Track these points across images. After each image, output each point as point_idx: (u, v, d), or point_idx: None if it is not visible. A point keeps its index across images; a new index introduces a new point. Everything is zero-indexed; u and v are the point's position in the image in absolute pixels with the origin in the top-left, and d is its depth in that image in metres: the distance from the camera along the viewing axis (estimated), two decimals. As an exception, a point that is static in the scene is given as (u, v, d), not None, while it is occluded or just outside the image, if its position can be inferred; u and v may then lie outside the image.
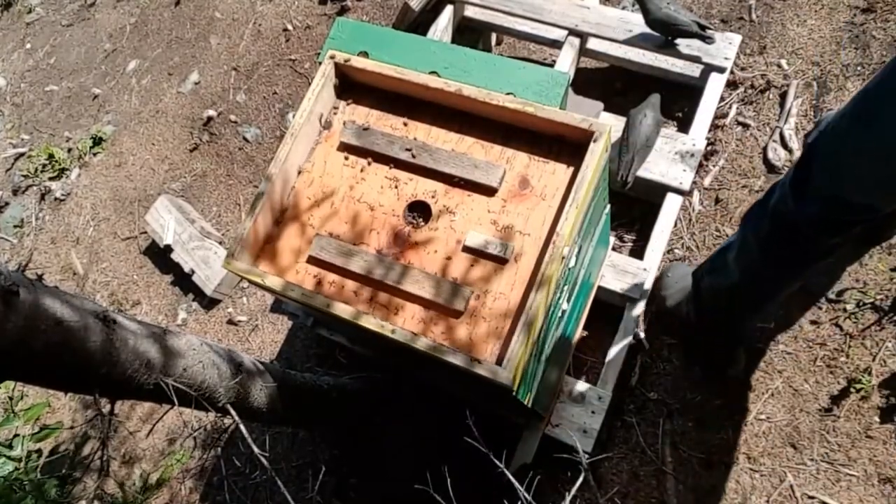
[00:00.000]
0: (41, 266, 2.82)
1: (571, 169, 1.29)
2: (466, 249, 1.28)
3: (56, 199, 2.93)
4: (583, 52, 2.13)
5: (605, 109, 2.03)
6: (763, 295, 1.55)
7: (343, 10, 2.71)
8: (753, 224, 1.45)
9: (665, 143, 1.90)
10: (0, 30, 3.66)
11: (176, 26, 3.10)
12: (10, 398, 2.19)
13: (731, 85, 2.09)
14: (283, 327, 2.32)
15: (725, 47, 1.94)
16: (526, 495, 1.79)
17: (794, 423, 1.67)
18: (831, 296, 1.75)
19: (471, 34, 2.31)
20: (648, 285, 1.81)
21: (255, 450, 1.23)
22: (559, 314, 1.45)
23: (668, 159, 1.88)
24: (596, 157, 1.23)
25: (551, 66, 2.17)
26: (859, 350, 1.68)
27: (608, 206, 1.59)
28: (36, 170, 3.00)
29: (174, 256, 2.48)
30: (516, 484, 1.80)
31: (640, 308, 1.81)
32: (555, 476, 1.81)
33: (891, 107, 1.06)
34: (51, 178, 2.99)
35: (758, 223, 1.43)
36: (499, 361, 1.18)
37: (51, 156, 2.97)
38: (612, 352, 1.78)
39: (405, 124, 1.41)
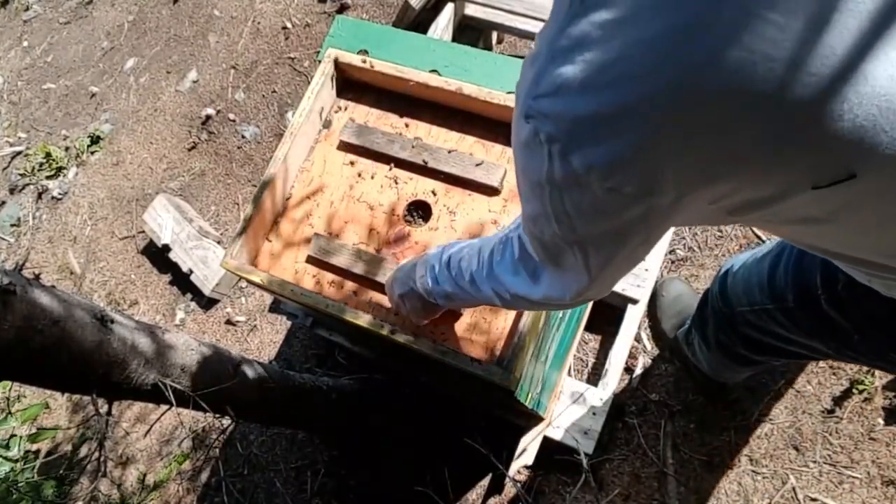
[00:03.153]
0: (38, 265, 2.80)
1: (573, 168, 1.28)
2: (467, 249, 1.27)
3: (53, 198, 2.91)
4: (584, 51, 2.12)
5: (606, 109, 2.02)
6: (741, 375, 1.55)
7: (343, 8, 2.70)
8: (702, 331, 1.43)
9: (666, 142, 1.89)
10: (-3, 28, 3.64)
11: (174, 24, 3.08)
12: (7, 398, 2.18)
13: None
14: (282, 328, 2.30)
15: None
16: (526, 496, 1.78)
17: (796, 425, 1.66)
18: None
19: (471, 33, 2.30)
20: (650, 285, 1.80)
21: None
22: (560, 314, 1.44)
23: (669, 159, 1.87)
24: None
25: (552, 65, 2.16)
26: (861, 351, 1.67)
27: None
28: (33, 168, 2.99)
29: (172, 256, 2.46)
30: (517, 485, 1.79)
31: (641, 309, 1.80)
32: (556, 478, 1.80)
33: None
34: (48, 177, 2.97)
35: (705, 330, 1.41)
36: (499, 362, 1.18)
37: (48, 154, 2.96)
38: (614, 353, 1.77)
39: (406, 124, 1.39)
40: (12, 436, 1.96)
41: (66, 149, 3.01)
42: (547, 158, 0.54)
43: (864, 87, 0.43)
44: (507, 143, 1.33)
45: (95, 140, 2.96)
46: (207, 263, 2.39)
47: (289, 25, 2.77)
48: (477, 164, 1.30)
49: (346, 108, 1.44)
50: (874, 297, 0.78)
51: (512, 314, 1.21)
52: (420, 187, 1.34)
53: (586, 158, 0.51)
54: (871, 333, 0.87)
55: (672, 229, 1.85)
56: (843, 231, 0.59)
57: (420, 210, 1.34)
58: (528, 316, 1.16)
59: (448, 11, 2.16)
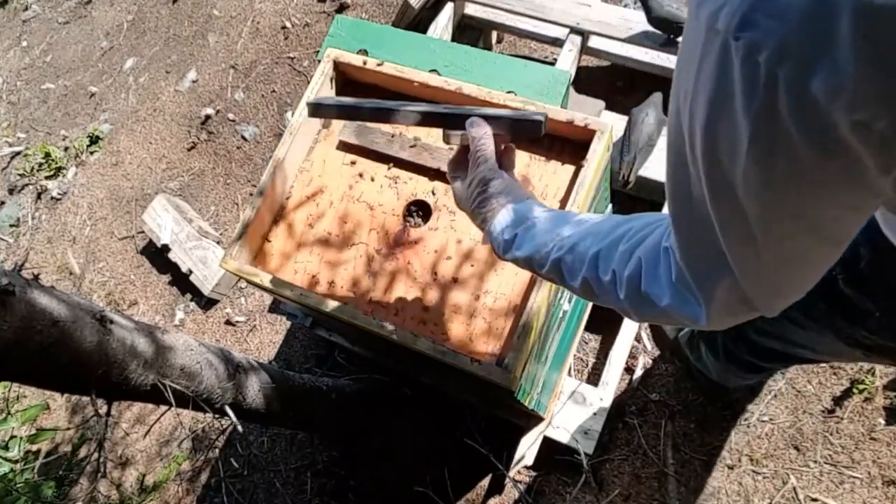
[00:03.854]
0: (37, 266, 2.80)
1: (573, 168, 1.27)
2: (467, 249, 1.27)
3: (52, 198, 2.91)
4: (584, 50, 2.12)
5: (607, 108, 2.02)
6: (748, 381, 1.55)
7: (342, 8, 2.69)
8: (709, 340, 1.42)
9: (666, 142, 1.89)
10: (-4, 28, 3.64)
11: (173, 24, 3.08)
12: (7, 399, 2.18)
13: (733, 84, 2.08)
14: (282, 328, 2.30)
15: (727, 46, 1.92)
16: (526, 497, 1.78)
17: (797, 425, 1.66)
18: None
19: (471, 32, 2.30)
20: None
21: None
22: (560, 314, 1.43)
23: (669, 159, 1.87)
24: (597, 157, 1.22)
25: (552, 64, 2.16)
26: (862, 351, 1.67)
27: (610, 206, 1.58)
28: (32, 169, 2.98)
29: (172, 256, 2.46)
30: (517, 486, 1.79)
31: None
32: (556, 478, 1.79)
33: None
34: (47, 177, 2.97)
35: (712, 339, 1.39)
36: (499, 362, 1.17)
37: (47, 154, 2.96)
38: (614, 353, 1.77)
39: (405, 123, 1.39)
40: (12, 436, 1.96)
41: (66, 149, 3.01)
42: (764, 88, 0.40)
43: None
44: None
45: (95, 140, 2.95)
46: (207, 264, 2.39)
47: (288, 25, 2.77)
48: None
49: (345, 108, 1.44)
50: None
51: (512, 314, 1.21)
52: (420, 187, 1.34)
53: (834, 78, 0.37)
54: (894, 308, 0.82)
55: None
56: None
57: (420, 210, 1.34)
58: (528, 316, 1.16)
59: (448, 11, 2.16)
